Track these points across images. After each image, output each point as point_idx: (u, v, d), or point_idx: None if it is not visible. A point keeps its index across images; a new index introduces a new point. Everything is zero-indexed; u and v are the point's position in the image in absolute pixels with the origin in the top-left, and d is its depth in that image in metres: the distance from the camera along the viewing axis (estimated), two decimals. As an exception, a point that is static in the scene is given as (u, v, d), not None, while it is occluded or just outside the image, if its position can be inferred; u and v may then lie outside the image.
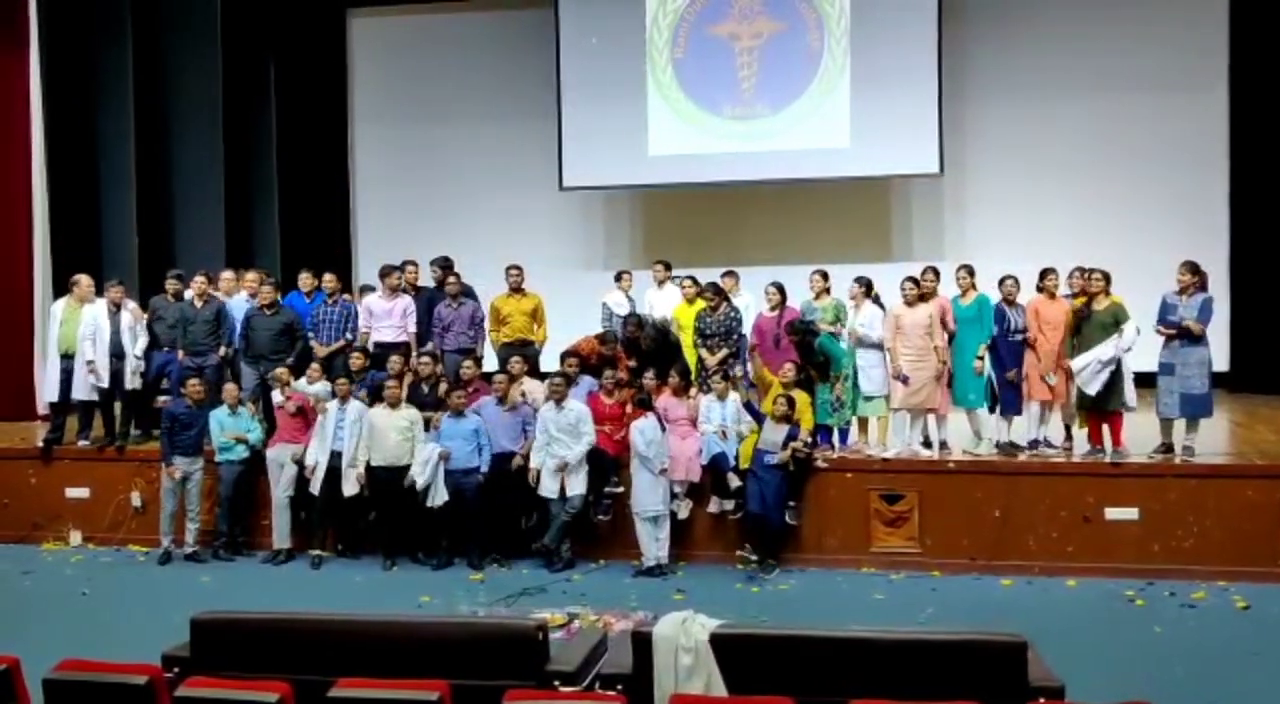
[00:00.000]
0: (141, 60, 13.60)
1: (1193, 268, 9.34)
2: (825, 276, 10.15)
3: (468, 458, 9.50)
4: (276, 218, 14.62)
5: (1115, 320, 9.33)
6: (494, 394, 9.82)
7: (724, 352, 10.18)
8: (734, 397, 9.73)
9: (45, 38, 13.08)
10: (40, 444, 10.89)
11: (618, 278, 11.65)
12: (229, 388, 10.10)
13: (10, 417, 12.75)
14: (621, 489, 9.72)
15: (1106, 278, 9.46)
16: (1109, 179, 13.69)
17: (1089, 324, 9.36)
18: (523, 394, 10.01)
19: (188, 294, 10.83)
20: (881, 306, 9.99)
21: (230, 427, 9.99)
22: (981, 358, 9.69)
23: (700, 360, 10.25)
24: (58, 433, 10.89)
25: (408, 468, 9.55)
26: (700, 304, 10.47)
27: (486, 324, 11.01)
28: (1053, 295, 9.67)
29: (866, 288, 9.99)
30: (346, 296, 11.37)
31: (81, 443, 10.81)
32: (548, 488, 9.47)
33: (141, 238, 13.42)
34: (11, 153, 13.09)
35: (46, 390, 11.15)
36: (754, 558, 9.35)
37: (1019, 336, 9.69)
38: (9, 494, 10.65)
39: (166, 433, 9.92)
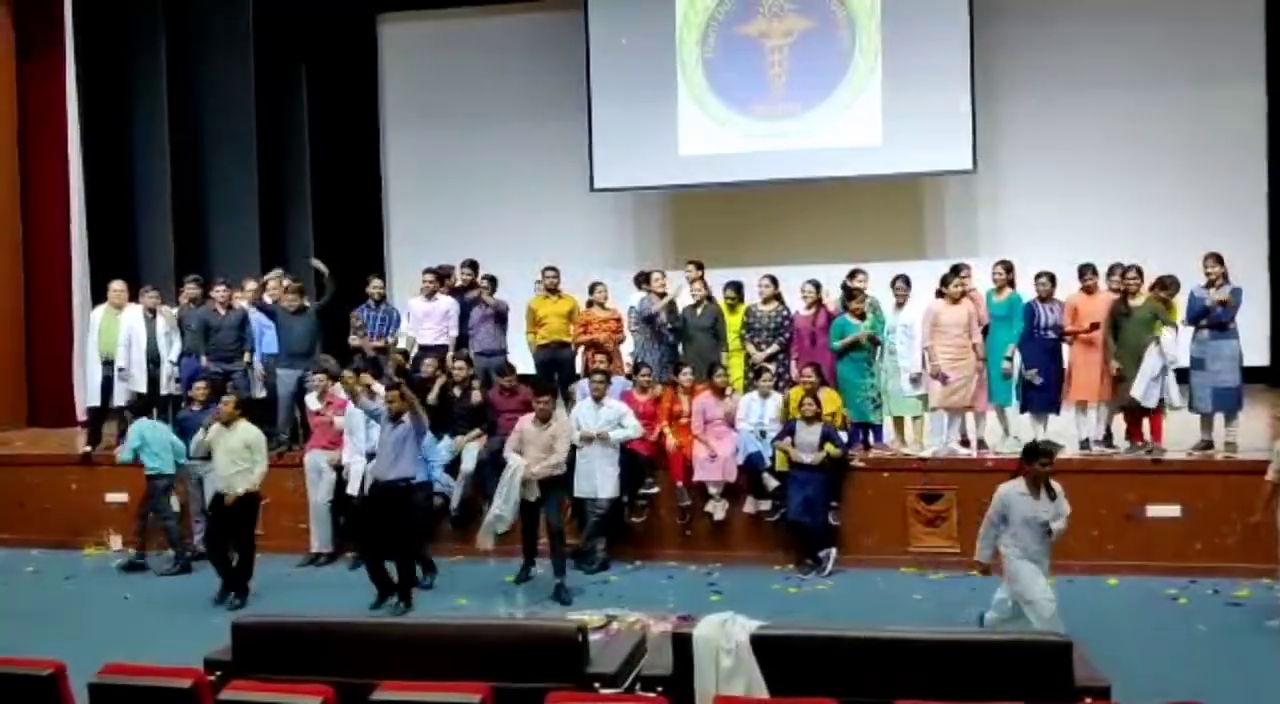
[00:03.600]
0: (175, 69, 13.70)
1: (1218, 258, 9.31)
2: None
3: (389, 469, 8.48)
4: (310, 223, 14.69)
5: (1154, 316, 9.24)
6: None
7: (772, 348, 10.13)
8: (776, 396, 9.71)
9: (80, 47, 13.21)
10: (82, 453, 10.98)
11: (643, 279, 11.49)
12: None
13: (50, 423, 12.89)
14: (657, 490, 9.71)
15: (1140, 274, 9.38)
16: (1144, 175, 13.55)
17: (1130, 322, 9.26)
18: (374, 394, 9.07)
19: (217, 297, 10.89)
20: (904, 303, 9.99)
21: (151, 438, 9.71)
22: (1010, 358, 9.64)
23: (747, 356, 10.22)
24: (96, 439, 11.00)
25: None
26: (743, 308, 10.45)
27: (523, 325, 11.05)
28: (1092, 292, 9.58)
29: (907, 286, 9.98)
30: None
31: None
32: (582, 488, 9.46)
33: (177, 244, 13.52)
34: (48, 162, 13.23)
35: (87, 396, 11.25)
36: (809, 562, 9.31)
37: (1050, 334, 9.62)
38: (50, 500, 10.75)
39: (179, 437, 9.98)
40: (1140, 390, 9.11)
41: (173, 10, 13.77)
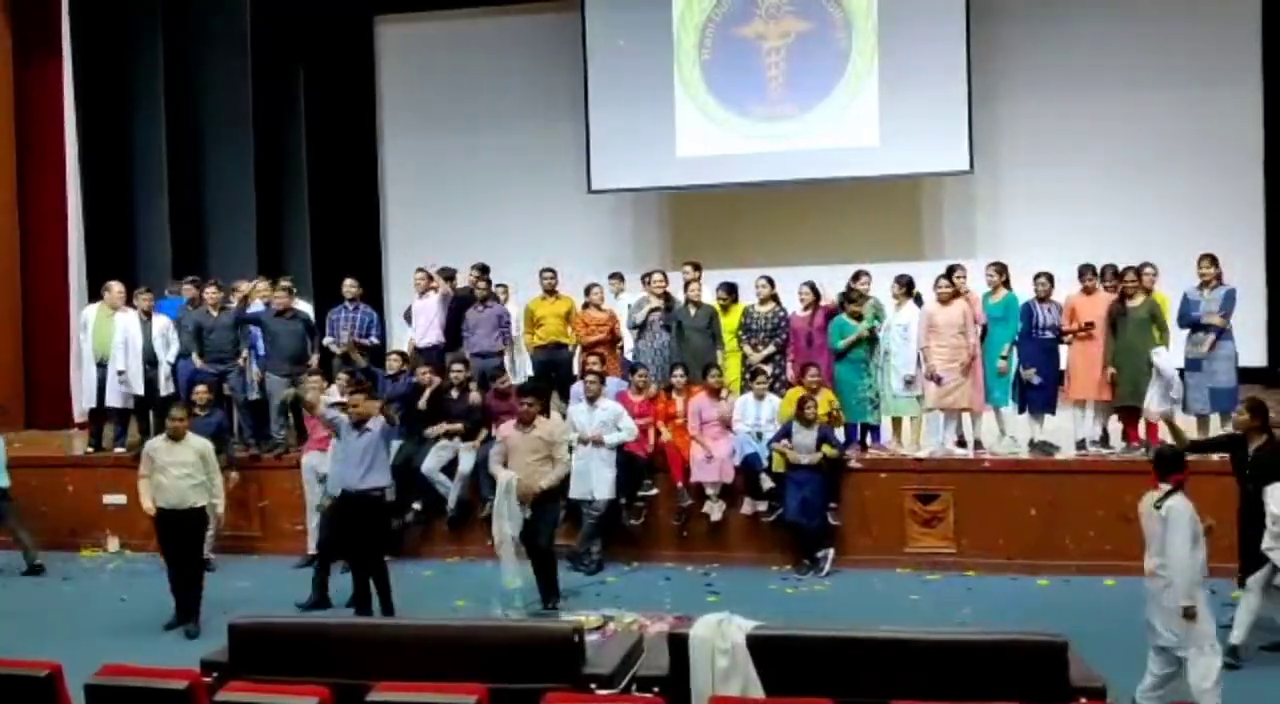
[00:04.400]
0: (172, 70, 13.68)
1: (1213, 259, 9.32)
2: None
3: (360, 479, 8.14)
4: (307, 225, 14.70)
5: (1150, 316, 9.27)
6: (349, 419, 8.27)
7: (769, 349, 10.13)
8: (772, 398, 9.72)
9: (78, 49, 13.21)
10: (85, 451, 11.06)
11: (644, 279, 11.57)
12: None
13: (48, 425, 12.88)
14: (656, 492, 9.71)
15: (1137, 274, 9.40)
16: (1142, 175, 13.53)
17: (1127, 322, 9.28)
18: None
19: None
20: (921, 305, 9.97)
21: None
22: (1005, 357, 9.66)
23: (744, 357, 10.24)
24: (98, 440, 11.01)
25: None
26: (738, 308, 10.45)
27: (520, 327, 11.05)
28: (1090, 293, 9.59)
29: (907, 287, 9.97)
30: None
31: (118, 450, 10.91)
32: (578, 490, 9.47)
33: (174, 245, 13.51)
34: (46, 163, 13.24)
35: (83, 398, 11.24)
36: (806, 563, 9.32)
37: (1047, 334, 9.64)
38: (47, 501, 10.74)
39: None
40: (1153, 407, 9.10)
41: (171, 11, 13.75)
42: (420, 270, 11.16)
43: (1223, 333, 9.22)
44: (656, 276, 10.86)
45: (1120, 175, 13.58)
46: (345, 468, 8.17)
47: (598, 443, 9.36)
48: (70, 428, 12.51)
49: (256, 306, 11.06)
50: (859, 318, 9.76)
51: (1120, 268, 9.57)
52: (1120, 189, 13.54)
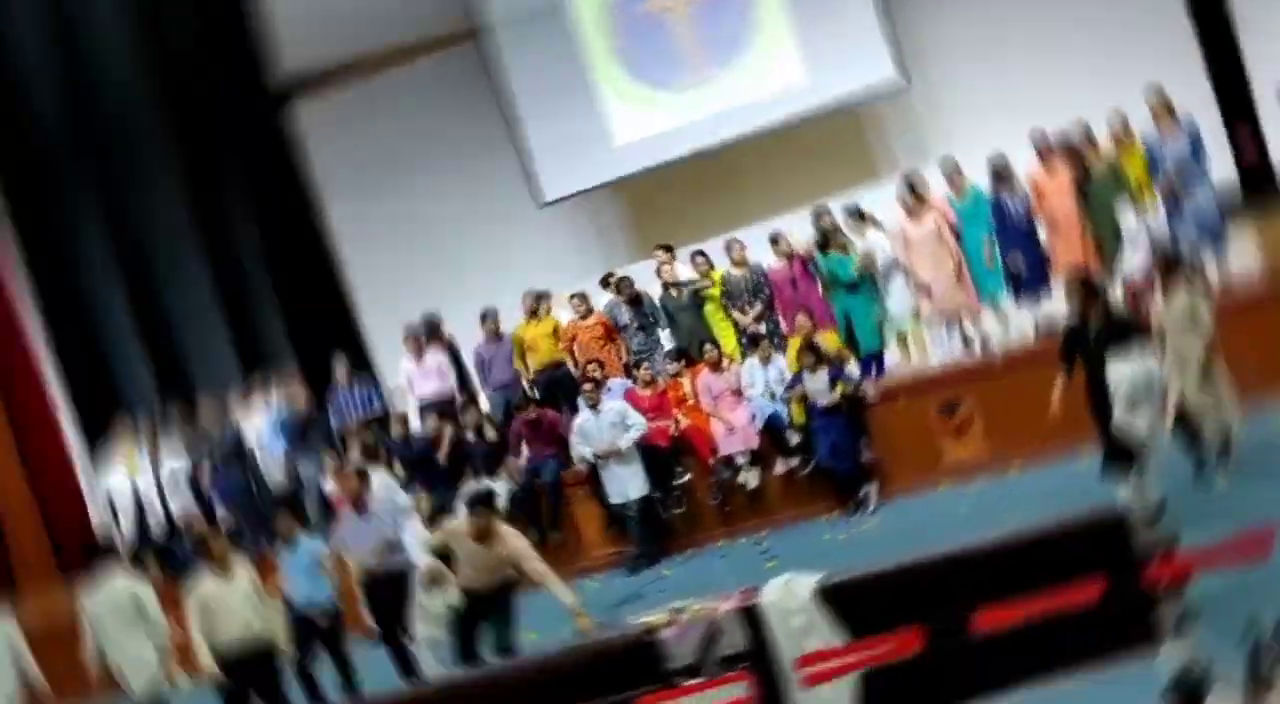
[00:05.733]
0: (111, 211, 13.66)
1: (1167, 107, 9.24)
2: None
3: (310, 592, 7.86)
4: (279, 313, 14.64)
5: (1114, 174, 9.28)
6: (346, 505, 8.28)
7: (757, 308, 10.12)
8: (778, 358, 9.71)
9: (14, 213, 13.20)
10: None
11: (604, 282, 11.55)
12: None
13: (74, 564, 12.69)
14: (689, 477, 9.70)
15: (1090, 137, 9.41)
16: (1072, 22, 13.16)
17: (1094, 187, 9.30)
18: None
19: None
20: (879, 226, 9.93)
21: None
22: (990, 245, 9.62)
23: (735, 323, 10.23)
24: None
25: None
26: (717, 274, 10.44)
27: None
28: (1050, 167, 9.58)
29: (858, 216, 9.96)
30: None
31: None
32: (613, 494, 9.48)
33: (152, 360, 13.46)
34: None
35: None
36: (852, 504, 9.31)
37: (1021, 224, 9.64)
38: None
39: None
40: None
41: (102, 157, 13.69)
42: (408, 338, 11.18)
43: (1196, 178, 9.19)
44: (617, 278, 10.87)
45: (1050, 33, 13.08)
46: (361, 551, 8.02)
47: (618, 454, 9.39)
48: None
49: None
50: (845, 249, 9.75)
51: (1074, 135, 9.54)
52: (1055, 50, 13.18)
